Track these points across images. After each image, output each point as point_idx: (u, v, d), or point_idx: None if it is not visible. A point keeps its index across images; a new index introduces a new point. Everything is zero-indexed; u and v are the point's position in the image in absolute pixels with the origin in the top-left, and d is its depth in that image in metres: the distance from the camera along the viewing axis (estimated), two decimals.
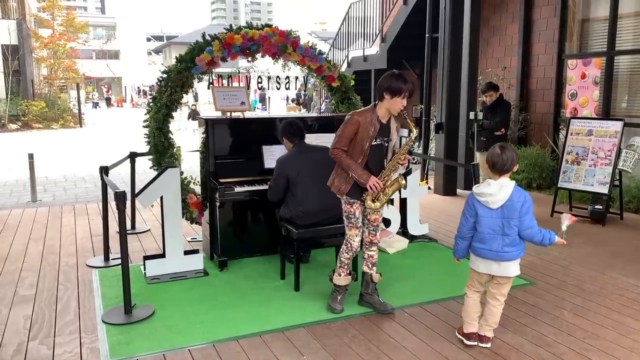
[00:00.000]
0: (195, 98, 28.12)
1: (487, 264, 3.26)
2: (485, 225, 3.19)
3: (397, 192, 5.51)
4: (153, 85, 17.40)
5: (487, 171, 6.83)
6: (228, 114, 5.07)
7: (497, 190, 3.16)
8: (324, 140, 4.98)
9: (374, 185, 3.60)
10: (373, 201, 3.69)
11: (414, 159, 8.77)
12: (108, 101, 42.92)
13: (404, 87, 3.57)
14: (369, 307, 3.91)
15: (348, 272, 3.90)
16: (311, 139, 4.75)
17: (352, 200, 3.72)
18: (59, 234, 5.95)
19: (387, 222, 5.54)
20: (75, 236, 5.87)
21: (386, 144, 3.73)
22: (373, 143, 3.64)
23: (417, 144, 10.80)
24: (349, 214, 3.77)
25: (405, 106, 3.67)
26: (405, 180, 3.77)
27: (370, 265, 3.93)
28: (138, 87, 44.38)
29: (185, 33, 56.45)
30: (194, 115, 18.47)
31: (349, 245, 3.83)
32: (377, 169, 3.70)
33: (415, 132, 3.72)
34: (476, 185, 3.29)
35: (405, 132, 4.84)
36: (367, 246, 3.93)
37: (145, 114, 5.14)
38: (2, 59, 21.64)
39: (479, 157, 6.55)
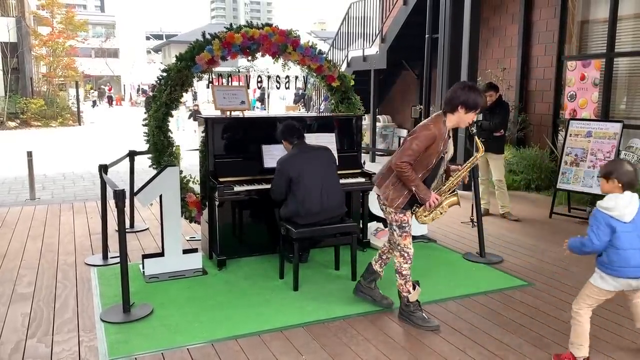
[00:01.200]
0: (194, 97, 28.07)
1: (626, 282, 3.06)
2: (625, 240, 3.01)
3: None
4: (152, 85, 16.72)
5: (486, 172, 6.83)
6: (228, 113, 5.07)
7: (628, 203, 3.00)
8: (324, 140, 4.99)
9: (433, 201, 3.51)
10: (424, 215, 3.62)
11: None
12: (110, 100, 42.63)
13: (480, 101, 3.45)
14: (366, 299, 3.90)
15: (413, 284, 3.68)
16: (311, 138, 4.76)
17: (404, 209, 3.58)
18: (58, 232, 5.94)
19: (386, 223, 5.53)
20: (73, 234, 5.86)
21: (444, 157, 3.58)
22: (439, 158, 3.50)
23: None
24: (402, 222, 3.58)
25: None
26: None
27: (382, 265, 3.91)
28: (138, 86, 44.33)
29: (185, 32, 56.40)
30: (195, 115, 18.37)
31: (406, 254, 3.61)
32: (431, 183, 3.59)
33: (481, 151, 3.70)
34: (600, 202, 3.09)
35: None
36: (389, 249, 3.86)
37: (145, 113, 5.13)
38: (1, 57, 21.59)
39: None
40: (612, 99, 7.69)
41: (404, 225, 3.59)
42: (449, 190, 3.66)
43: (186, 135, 14.11)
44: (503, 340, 3.43)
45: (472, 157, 3.75)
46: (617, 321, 3.73)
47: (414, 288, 3.67)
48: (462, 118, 3.48)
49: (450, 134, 3.62)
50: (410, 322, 3.63)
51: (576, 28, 8.34)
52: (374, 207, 5.46)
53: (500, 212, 6.63)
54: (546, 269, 4.80)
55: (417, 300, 3.67)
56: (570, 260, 5.01)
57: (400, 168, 3.43)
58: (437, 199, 3.54)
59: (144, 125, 5.10)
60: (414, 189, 3.46)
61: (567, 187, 6.72)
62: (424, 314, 3.65)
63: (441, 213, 3.65)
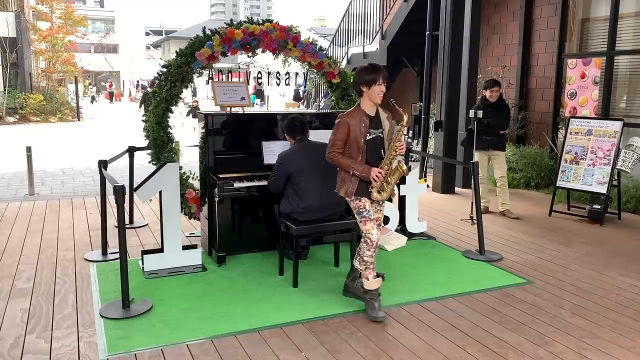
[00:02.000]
0: (194, 93, 28.01)
1: None
2: None
3: (397, 191, 5.52)
4: (151, 81, 16.60)
5: (486, 170, 6.83)
6: (228, 109, 5.06)
7: None
8: (323, 137, 4.97)
9: (376, 175, 3.61)
10: (379, 192, 3.70)
11: (412, 156, 8.78)
12: (110, 95, 42.23)
13: (375, 75, 3.64)
14: (354, 298, 3.91)
15: (375, 273, 3.75)
16: (310, 135, 4.74)
17: (358, 196, 3.72)
18: (57, 228, 5.94)
19: (385, 220, 5.54)
20: (73, 230, 5.86)
21: (381, 135, 3.75)
22: (368, 138, 3.68)
23: (416, 141, 10.81)
24: (359, 208, 3.72)
25: (385, 92, 3.71)
26: (407, 166, 3.75)
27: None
28: (137, 82, 44.25)
29: (184, 28, 56.28)
30: (194, 111, 17.33)
31: (368, 240, 3.69)
32: (378, 162, 3.71)
33: (406, 118, 3.74)
34: None
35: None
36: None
37: (139, 108, 5.12)
38: (0, 52, 21.53)
39: (478, 156, 6.54)
40: (612, 97, 7.69)
41: (361, 210, 3.73)
42: (390, 162, 3.70)
43: (185, 130, 14.06)
44: (502, 338, 3.43)
45: (399, 127, 3.75)
46: (616, 319, 3.73)
47: (377, 276, 3.76)
48: (370, 94, 3.68)
49: (381, 113, 3.78)
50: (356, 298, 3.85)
51: (577, 26, 8.33)
52: None
53: (499, 209, 6.63)
54: (546, 266, 4.80)
55: (376, 290, 3.74)
56: (569, 259, 5.01)
57: (330, 158, 3.74)
58: (379, 173, 3.63)
59: (143, 121, 5.09)
60: (351, 171, 3.66)
61: (566, 185, 6.72)
62: (375, 304, 3.70)
63: (389, 186, 3.71)
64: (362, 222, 3.73)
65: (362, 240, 3.74)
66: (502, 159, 6.59)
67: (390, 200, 5.57)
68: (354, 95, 5.78)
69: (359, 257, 3.78)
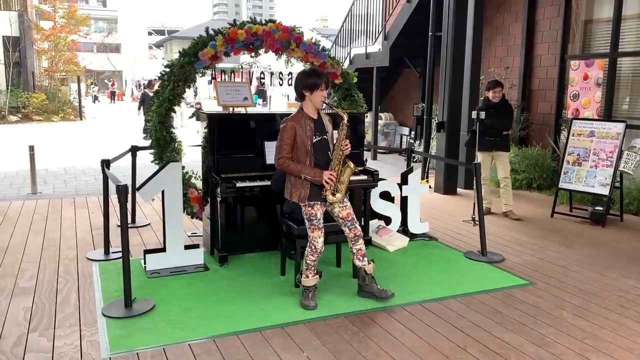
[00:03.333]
0: (195, 93, 27.97)
1: None
2: None
3: (398, 190, 5.52)
4: (148, 81, 16.26)
5: (489, 171, 6.83)
6: (230, 109, 5.06)
7: None
8: None
9: (328, 178, 3.68)
10: (333, 194, 3.75)
11: (414, 157, 8.78)
12: (112, 95, 41.95)
13: (318, 80, 3.71)
14: (369, 297, 3.97)
15: (315, 272, 3.92)
16: None
17: (312, 203, 3.78)
18: (59, 227, 5.95)
19: (387, 220, 5.55)
20: (75, 229, 5.87)
21: (326, 137, 3.82)
22: (314, 141, 3.74)
23: (418, 142, 10.81)
24: (310, 215, 3.80)
25: (326, 97, 3.77)
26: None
27: (361, 258, 3.98)
28: (138, 81, 44.26)
29: (187, 27, 56.37)
30: (198, 114, 16.69)
31: (313, 247, 3.83)
32: (327, 164, 3.78)
33: (346, 116, 3.79)
34: None
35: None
36: (352, 242, 3.96)
37: (138, 108, 5.13)
38: (3, 51, 21.58)
39: (481, 157, 6.54)
40: (615, 99, 7.68)
41: (312, 218, 3.80)
42: (339, 162, 3.76)
43: (186, 132, 14.07)
44: (504, 339, 3.43)
45: (341, 126, 3.77)
46: (617, 321, 3.73)
47: (316, 274, 3.90)
48: (312, 99, 3.74)
49: (323, 117, 3.85)
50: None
51: (580, 27, 8.32)
52: (376, 204, 5.46)
53: (502, 209, 6.63)
54: (547, 268, 4.80)
55: (314, 286, 3.90)
56: (571, 260, 5.01)
57: (280, 165, 3.78)
58: (331, 175, 3.69)
59: (146, 121, 5.10)
60: (303, 176, 3.70)
61: (568, 187, 6.71)
62: (309, 294, 3.87)
63: (342, 185, 3.76)
64: (311, 229, 3.82)
65: (308, 245, 3.86)
66: (506, 159, 6.58)
67: (392, 200, 5.58)
68: (357, 96, 5.79)
69: (354, 256, 3.96)
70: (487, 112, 6.38)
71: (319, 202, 3.79)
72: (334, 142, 3.84)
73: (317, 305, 3.85)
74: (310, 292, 3.90)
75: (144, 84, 41.06)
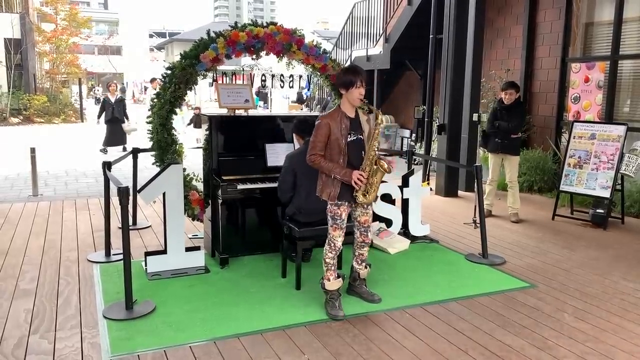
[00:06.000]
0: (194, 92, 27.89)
1: None
2: None
3: (400, 193, 5.52)
4: (154, 79, 14.51)
5: (497, 173, 6.79)
6: (232, 111, 5.07)
7: None
8: None
9: (357, 178, 3.63)
10: (364, 195, 3.70)
11: (415, 159, 8.78)
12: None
13: (354, 78, 3.65)
14: (357, 297, 4.02)
15: (336, 274, 3.87)
16: None
17: (339, 203, 3.75)
18: (60, 229, 5.95)
19: (388, 223, 5.54)
20: (76, 231, 5.87)
21: (361, 137, 3.76)
22: (349, 139, 3.69)
23: (419, 144, 10.81)
24: (335, 214, 3.77)
25: (364, 95, 3.70)
26: (388, 164, 3.72)
27: (359, 262, 4.03)
28: (140, 83, 44.29)
29: (188, 30, 56.40)
30: (196, 121, 14.05)
31: (332, 245, 3.81)
32: (360, 164, 3.73)
33: (380, 116, 3.75)
34: None
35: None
36: (359, 246, 3.98)
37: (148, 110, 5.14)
38: (4, 53, 21.60)
39: (491, 158, 6.54)
40: (616, 102, 7.68)
41: (335, 217, 3.77)
42: (371, 163, 3.70)
43: (187, 137, 13.94)
44: (505, 342, 3.43)
45: (375, 129, 3.73)
46: (619, 324, 3.72)
47: (338, 277, 3.85)
48: (349, 96, 3.68)
49: (360, 115, 3.78)
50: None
51: (581, 30, 8.32)
52: (377, 207, 5.46)
53: (508, 212, 6.61)
54: (549, 270, 4.79)
55: (336, 290, 3.82)
56: (572, 263, 5.01)
57: (312, 162, 3.73)
58: (361, 176, 3.64)
59: (147, 122, 5.11)
60: (333, 174, 3.65)
61: (569, 189, 6.70)
62: (336, 303, 3.79)
63: (373, 187, 3.71)
64: (333, 227, 3.80)
65: (327, 243, 3.84)
66: (514, 162, 6.53)
67: (393, 203, 5.58)
68: None
69: (355, 258, 4.01)
70: (499, 113, 6.37)
71: (346, 203, 3.76)
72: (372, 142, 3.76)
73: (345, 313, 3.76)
74: (335, 300, 3.81)
75: (145, 86, 40.95)
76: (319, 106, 15.91)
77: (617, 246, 5.56)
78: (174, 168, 4.44)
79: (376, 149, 3.70)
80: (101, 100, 13.32)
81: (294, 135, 4.66)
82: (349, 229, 4.30)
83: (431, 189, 7.84)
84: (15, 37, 21.86)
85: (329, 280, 3.83)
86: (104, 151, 12.58)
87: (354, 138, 3.71)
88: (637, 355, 3.29)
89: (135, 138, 11.95)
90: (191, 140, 12.34)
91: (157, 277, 4.42)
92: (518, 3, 9.10)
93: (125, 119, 12.83)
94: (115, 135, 12.66)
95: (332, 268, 3.85)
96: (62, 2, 27.29)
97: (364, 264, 4.04)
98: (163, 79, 5.04)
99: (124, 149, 12.43)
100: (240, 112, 5.11)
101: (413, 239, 5.55)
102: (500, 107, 6.45)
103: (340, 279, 3.88)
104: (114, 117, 12.55)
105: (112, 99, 12.67)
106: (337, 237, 3.80)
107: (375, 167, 3.69)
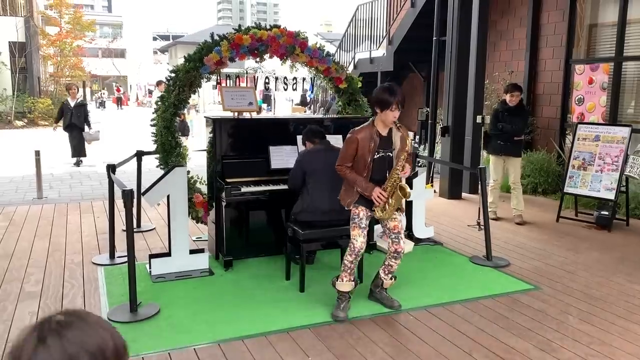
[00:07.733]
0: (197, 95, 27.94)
1: None
2: None
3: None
4: (161, 81, 13.58)
5: (501, 176, 6.79)
6: (236, 114, 5.08)
7: None
8: (331, 141, 4.98)
9: (377, 196, 3.66)
10: (382, 211, 3.75)
11: (419, 162, 8.78)
12: (119, 100, 41.09)
13: (391, 99, 3.59)
14: (377, 302, 3.98)
15: (352, 277, 3.85)
16: None
17: (357, 204, 3.79)
18: (65, 231, 5.97)
19: None
20: (80, 233, 5.89)
21: (390, 154, 3.77)
22: (375, 157, 3.71)
23: (422, 146, 10.80)
24: (353, 214, 3.83)
25: (399, 116, 3.65)
26: (410, 188, 3.74)
27: (386, 272, 3.96)
28: (144, 86, 44.39)
29: (192, 33, 56.59)
30: (182, 127, 11.22)
31: (352, 246, 3.80)
32: (383, 181, 3.75)
33: (409, 145, 3.72)
34: None
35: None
36: (390, 256, 3.92)
37: (153, 112, 5.16)
38: (9, 56, 21.70)
39: (494, 161, 6.53)
40: (620, 103, 7.66)
41: (354, 217, 3.82)
42: (393, 185, 3.71)
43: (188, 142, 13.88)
44: (509, 344, 3.42)
45: (401, 152, 3.72)
46: (624, 326, 3.71)
47: (352, 280, 3.83)
48: (383, 117, 3.66)
49: (394, 133, 3.75)
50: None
51: (584, 31, 8.31)
52: None
53: (512, 214, 6.60)
54: (553, 272, 4.78)
55: (347, 292, 3.82)
56: (577, 265, 4.99)
57: (339, 171, 3.83)
58: (381, 194, 3.67)
59: (151, 125, 5.12)
60: (356, 187, 3.73)
61: (574, 191, 6.69)
62: (342, 305, 3.79)
63: (390, 207, 3.72)
64: (352, 227, 3.83)
65: (349, 244, 3.84)
66: (516, 164, 6.53)
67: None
68: (361, 100, 5.80)
69: (383, 267, 3.95)
70: (502, 115, 6.36)
71: (364, 206, 3.80)
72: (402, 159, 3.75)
73: (347, 316, 3.77)
74: (343, 302, 3.82)
75: (149, 88, 40.98)
76: (322, 108, 15.92)
77: (621, 248, 5.54)
78: (178, 170, 4.46)
79: (400, 173, 3.69)
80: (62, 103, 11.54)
81: (305, 142, 4.61)
82: (346, 232, 4.31)
83: (435, 191, 7.82)
84: (20, 41, 21.95)
85: (342, 280, 3.83)
86: (77, 164, 11.20)
87: (382, 155, 3.73)
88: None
89: (139, 141, 11.63)
90: (197, 144, 12.09)
91: (161, 280, 4.43)
92: (521, 5, 9.10)
93: (87, 126, 11.15)
94: (72, 143, 11.14)
95: (349, 271, 3.81)
96: (67, 6, 27.43)
97: (390, 275, 3.97)
98: (167, 82, 5.06)
99: (78, 163, 11.15)
100: (244, 115, 5.12)
101: (417, 241, 5.55)
102: (503, 109, 6.44)
103: (353, 282, 3.86)
104: (72, 123, 10.98)
105: (72, 103, 11.07)
106: (355, 236, 3.78)
107: (396, 190, 3.69)
